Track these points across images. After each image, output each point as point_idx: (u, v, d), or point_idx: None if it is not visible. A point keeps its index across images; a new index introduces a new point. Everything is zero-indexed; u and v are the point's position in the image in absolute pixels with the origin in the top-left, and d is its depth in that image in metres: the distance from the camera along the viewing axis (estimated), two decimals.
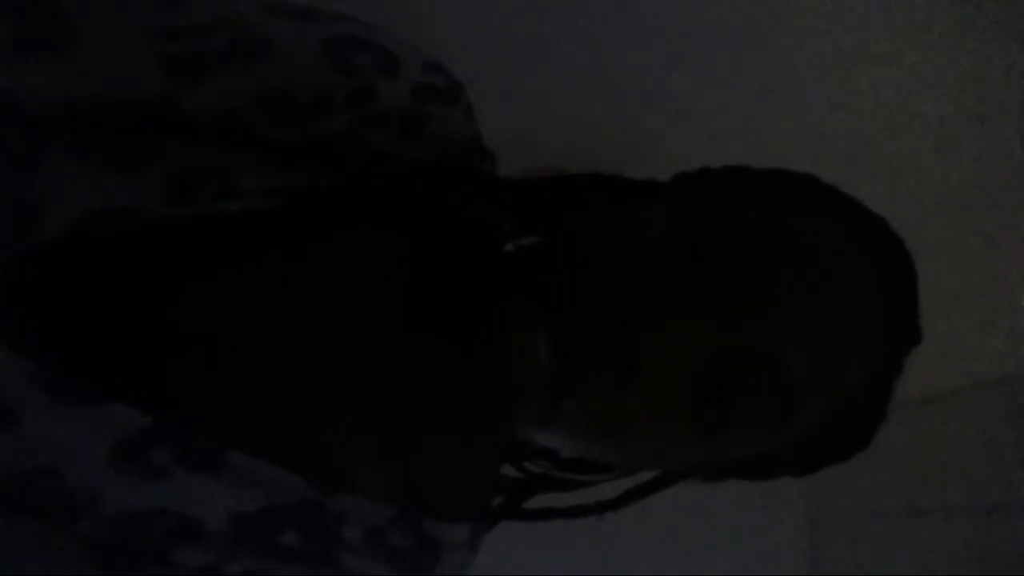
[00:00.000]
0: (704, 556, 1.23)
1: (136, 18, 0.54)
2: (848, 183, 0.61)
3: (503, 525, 0.65)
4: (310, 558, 0.52)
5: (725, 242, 0.54)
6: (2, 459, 0.47)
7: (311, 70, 0.57)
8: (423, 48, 0.63)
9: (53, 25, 0.52)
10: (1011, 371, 1.22)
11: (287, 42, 0.57)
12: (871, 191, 0.61)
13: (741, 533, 1.25)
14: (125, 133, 0.51)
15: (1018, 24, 1.09)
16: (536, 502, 0.67)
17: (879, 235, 0.60)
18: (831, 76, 1.15)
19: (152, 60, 0.53)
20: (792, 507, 1.33)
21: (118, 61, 0.52)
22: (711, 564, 1.25)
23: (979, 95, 1.14)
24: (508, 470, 0.67)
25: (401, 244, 0.58)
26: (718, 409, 0.54)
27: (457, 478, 0.58)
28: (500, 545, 0.65)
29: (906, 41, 1.13)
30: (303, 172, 0.55)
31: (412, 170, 0.59)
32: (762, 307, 0.53)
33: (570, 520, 0.66)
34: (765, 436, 0.56)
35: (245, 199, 0.53)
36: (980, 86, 1.14)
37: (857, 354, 0.56)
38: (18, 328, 0.48)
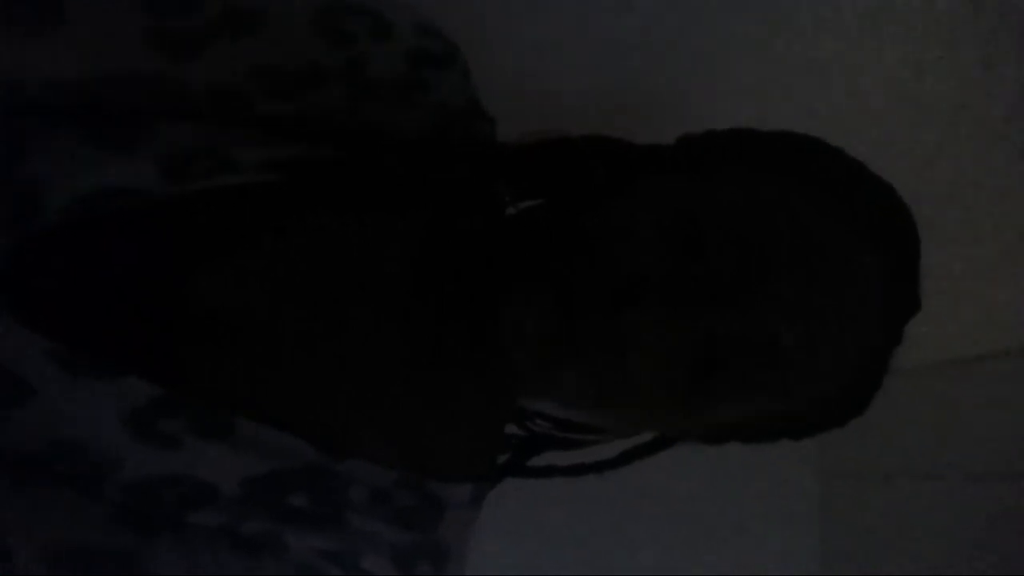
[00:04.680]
0: (712, 511, 1.24)
1: None
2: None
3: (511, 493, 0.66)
4: (318, 518, 0.54)
5: (723, 229, 0.53)
6: (23, 431, 0.49)
7: (304, 41, 0.56)
8: (415, 6, 0.62)
9: (40, 1, 0.51)
10: None
11: (279, 12, 0.56)
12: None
13: (751, 489, 1.26)
14: (118, 112, 0.51)
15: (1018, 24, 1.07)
16: (538, 462, 0.68)
17: (884, 205, 0.59)
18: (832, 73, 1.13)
19: (141, 35, 0.52)
20: (805, 464, 1.34)
21: (107, 37, 0.52)
22: (719, 519, 1.26)
23: (978, 93, 1.13)
24: (511, 428, 0.68)
25: (401, 220, 0.58)
26: (712, 384, 0.54)
27: (460, 447, 0.60)
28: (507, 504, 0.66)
29: (905, 39, 1.11)
30: (299, 145, 0.55)
31: (409, 141, 0.59)
32: (760, 297, 0.53)
33: (574, 477, 0.67)
34: (763, 406, 0.57)
35: (241, 173, 0.53)
36: (979, 85, 1.12)
37: (856, 327, 0.56)
38: (30, 307, 0.49)
